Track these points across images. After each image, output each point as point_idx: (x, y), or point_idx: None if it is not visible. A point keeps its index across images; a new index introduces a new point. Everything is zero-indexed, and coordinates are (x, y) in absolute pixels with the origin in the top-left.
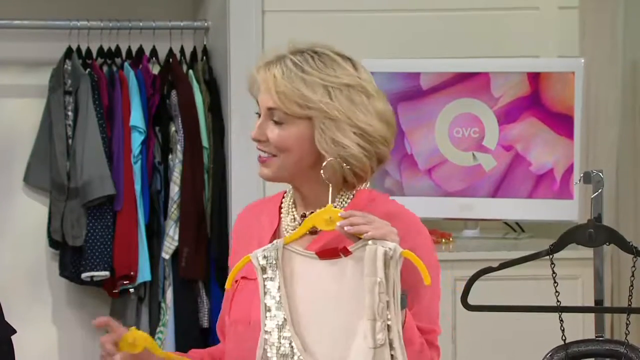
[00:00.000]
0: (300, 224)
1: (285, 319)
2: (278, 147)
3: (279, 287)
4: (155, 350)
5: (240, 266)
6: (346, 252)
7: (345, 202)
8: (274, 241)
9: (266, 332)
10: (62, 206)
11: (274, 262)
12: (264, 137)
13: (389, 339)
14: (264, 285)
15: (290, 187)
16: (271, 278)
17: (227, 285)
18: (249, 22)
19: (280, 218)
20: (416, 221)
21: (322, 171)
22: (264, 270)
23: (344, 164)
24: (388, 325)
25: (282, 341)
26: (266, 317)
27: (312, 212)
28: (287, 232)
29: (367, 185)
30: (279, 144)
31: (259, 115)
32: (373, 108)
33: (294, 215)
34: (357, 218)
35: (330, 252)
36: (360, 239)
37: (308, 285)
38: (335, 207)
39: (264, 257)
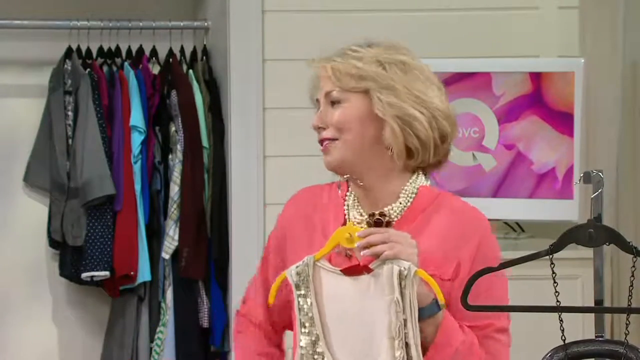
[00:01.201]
0: (366, 223)
1: (317, 335)
2: (338, 127)
3: (310, 303)
4: None
5: (278, 282)
6: (368, 270)
7: (410, 198)
8: (305, 258)
9: (302, 347)
10: (62, 206)
11: (306, 278)
12: (324, 123)
13: (408, 356)
14: (298, 302)
15: (350, 185)
16: (304, 295)
17: (270, 301)
18: (249, 22)
19: (344, 212)
20: (482, 219)
21: (384, 141)
22: (297, 287)
23: (405, 126)
24: (406, 342)
25: (316, 357)
26: (301, 332)
27: (381, 212)
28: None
29: (427, 181)
30: (339, 123)
31: (318, 109)
32: (430, 82)
33: (360, 211)
34: (374, 237)
35: (355, 269)
36: None
37: (335, 301)
38: (400, 203)
39: (297, 273)
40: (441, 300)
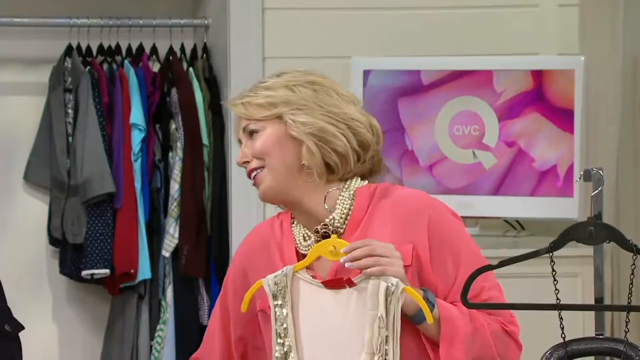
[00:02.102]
0: (315, 241)
1: (290, 347)
2: (258, 155)
3: (286, 314)
4: None
5: (253, 290)
6: (350, 284)
7: (348, 204)
8: (284, 267)
9: (276, 357)
10: (62, 204)
11: (283, 289)
12: (248, 157)
13: None
14: (275, 312)
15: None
16: (281, 305)
17: (242, 309)
18: (249, 19)
19: (294, 242)
20: (421, 196)
21: (303, 161)
22: (274, 296)
23: (321, 143)
24: (385, 359)
25: None
26: (277, 343)
27: (324, 225)
28: (305, 250)
29: (363, 182)
30: (259, 151)
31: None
32: (342, 98)
33: (304, 234)
34: (358, 251)
35: (336, 282)
36: None
37: (313, 313)
38: (340, 211)
39: (275, 283)
40: (429, 319)
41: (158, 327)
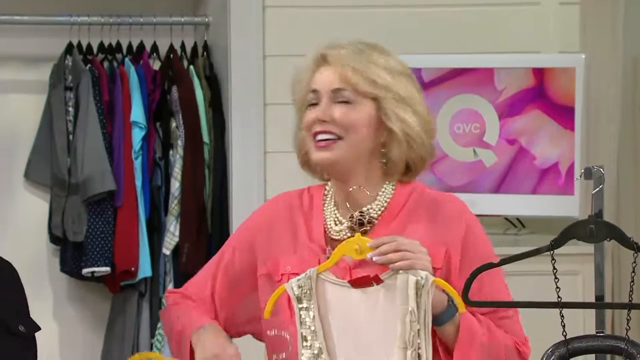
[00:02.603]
0: (347, 227)
1: (320, 349)
2: (346, 127)
3: (313, 316)
4: None
5: (276, 297)
6: (378, 281)
7: (388, 197)
8: (308, 270)
9: None
10: (62, 202)
11: (308, 291)
12: (330, 118)
13: None
14: (300, 315)
15: (329, 186)
16: (306, 308)
17: (265, 316)
18: (250, 17)
19: (324, 221)
20: (457, 201)
21: (385, 151)
22: (299, 300)
23: (410, 143)
24: (419, 353)
25: None
26: (303, 346)
27: (360, 213)
28: (333, 234)
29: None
30: (349, 123)
31: (312, 106)
32: (422, 98)
33: (336, 218)
34: (386, 246)
35: (363, 280)
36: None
37: (342, 314)
38: (379, 202)
39: (299, 287)
40: (461, 309)
41: (159, 325)
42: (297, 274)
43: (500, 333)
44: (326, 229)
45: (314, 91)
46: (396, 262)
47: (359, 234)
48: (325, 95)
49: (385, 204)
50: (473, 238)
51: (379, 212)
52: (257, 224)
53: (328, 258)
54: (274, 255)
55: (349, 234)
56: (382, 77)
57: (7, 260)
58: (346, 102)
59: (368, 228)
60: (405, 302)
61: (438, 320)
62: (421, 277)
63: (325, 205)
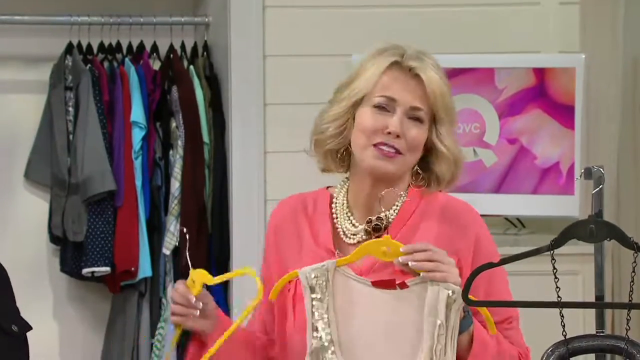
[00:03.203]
0: (364, 231)
1: (332, 340)
2: (412, 146)
3: (327, 308)
4: (211, 281)
5: (286, 279)
6: (403, 286)
7: (401, 201)
8: (325, 262)
9: (312, 351)
10: (62, 202)
11: (324, 283)
12: (403, 134)
13: None
14: (312, 305)
15: (342, 188)
16: (320, 299)
17: (271, 297)
18: (250, 17)
19: (333, 221)
20: (470, 210)
21: (436, 171)
22: (312, 289)
23: (456, 160)
24: None
25: None
26: (313, 336)
27: (378, 216)
28: (348, 237)
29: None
30: (415, 142)
31: (382, 109)
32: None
33: (351, 221)
34: (420, 255)
35: (386, 282)
36: (419, 274)
37: (359, 310)
38: (397, 206)
39: (315, 276)
40: (493, 330)
41: (159, 325)
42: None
43: (507, 344)
44: (337, 233)
45: (390, 98)
46: (429, 271)
47: (389, 235)
48: (402, 107)
49: (397, 208)
50: (482, 248)
51: (393, 217)
52: (269, 244)
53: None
54: (284, 263)
55: (364, 238)
56: (452, 103)
57: None
58: (419, 120)
59: (384, 233)
60: (435, 314)
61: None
62: (452, 292)
63: (335, 209)
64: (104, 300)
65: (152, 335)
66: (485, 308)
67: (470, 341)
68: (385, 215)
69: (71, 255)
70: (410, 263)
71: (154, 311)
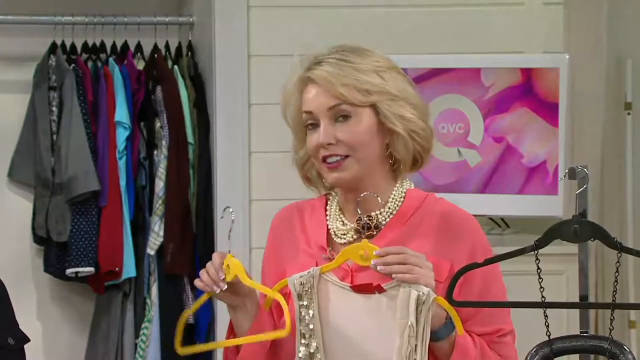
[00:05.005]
0: (354, 230)
1: (317, 348)
2: (351, 145)
3: (313, 315)
4: (244, 280)
5: (278, 288)
6: (380, 290)
7: (398, 203)
8: (311, 269)
9: (300, 358)
10: (46, 202)
11: (310, 289)
12: (334, 139)
13: None
14: (300, 312)
15: (334, 195)
16: (306, 305)
17: (265, 307)
18: (234, 17)
19: (326, 223)
20: (471, 219)
21: (393, 152)
22: (300, 296)
23: (414, 137)
24: None
25: None
26: (300, 343)
27: (368, 217)
28: (339, 237)
29: (412, 184)
30: (353, 140)
31: (312, 125)
32: (412, 85)
33: (342, 220)
34: (392, 257)
35: (366, 287)
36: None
37: (341, 316)
38: (389, 208)
39: (301, 283)
40: (460, 330)
41: (143, 325)
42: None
43: (494, 356)
44: (329, 232)
45: (308, 112)
46: (400, 274)
47: (366, 240)
48: (322, 115)
49: (395, 210)
50: (477, 255)
51: (388, 218)
52: (267, 255)
53: (327, 258)
54: (283, 267)
55: (354, 237)
56: (373, 83)
57: None
58: (345, 115)
59: (374, 233)
60: (405, 316)
61: (434, 336)
62: (423, 293)
63: (329, 210)
64: (88, 301)
65: (137, 336)
66: (452, 308)
67: (451, 349)
68: (376, 215)
69: (55, 256)
70: (378, 267)
71: (138, 311)
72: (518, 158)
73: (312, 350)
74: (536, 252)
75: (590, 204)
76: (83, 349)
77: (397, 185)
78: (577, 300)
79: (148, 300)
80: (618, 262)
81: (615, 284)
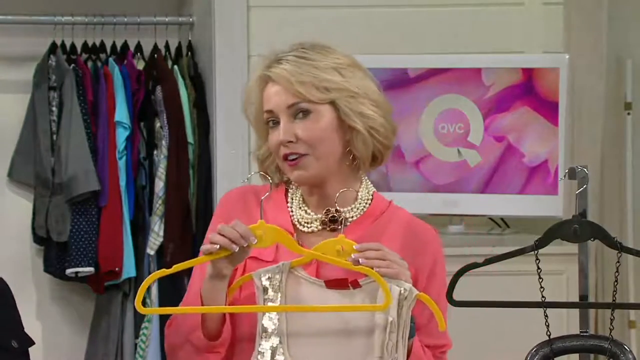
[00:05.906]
0: (320, 221)
1: (280, 342)
2: (310, 142)
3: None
4: (292, 248)
5: (240, 282)
6: (356, 285)
7: (367, 204)
8: (280, 263)
9: (260, 352)
10: (46, 202)
11: (278, 284)
12: (294, 137)
13: None
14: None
15: (295, 188)
16: (272, 299)
17: (235, 286)
18: (234, 17)
19: (289, 213)
20: (434, 232)
21: (352, 150)
22: (265, 290)
23: (373, 134)
24: None
25: None
26: (262, 337)
27: (336, 210)
28: (302, 225)
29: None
30: (311, 137)
31: (273, 123)
32: (374, 82)
33: (306, 210)
34: (372, 253)
35: (339, 282)
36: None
37: (311, 312)
38: (357, 207)
39: (268, 278)
40: (442, 327)
41: (143, 326)
42: (258, 259)
43: None
44: (292, 219)
45: (269, 111)
46: (381, 268)
47: (343, 235)
48: (281, 113)
49: (364, 209)
50: (437, 271)
51: (356, 215)
52: (215, 224)
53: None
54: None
55: (319, 227)
56: (331, 80)
57: None
58: (305, 112)
59: (339, 227)
60: (386, 311)
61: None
62: (405, 289)
63: (290, 199)
64: (87, 301)
65: (136, 336)
66: (434, 304)
67: (409, 354)
68: (346, 210)
69: (55, 256)
70: (361, 260)
71: (137, 311)
72: (519, 157)
73: (274, 345)
74: (536, 252)
75: (590, 204)
76: (83, 349)
77: (363, 185)
78: (577, 300)
79: (148, 300)
80: (618, 262)
81: (615, 284)
